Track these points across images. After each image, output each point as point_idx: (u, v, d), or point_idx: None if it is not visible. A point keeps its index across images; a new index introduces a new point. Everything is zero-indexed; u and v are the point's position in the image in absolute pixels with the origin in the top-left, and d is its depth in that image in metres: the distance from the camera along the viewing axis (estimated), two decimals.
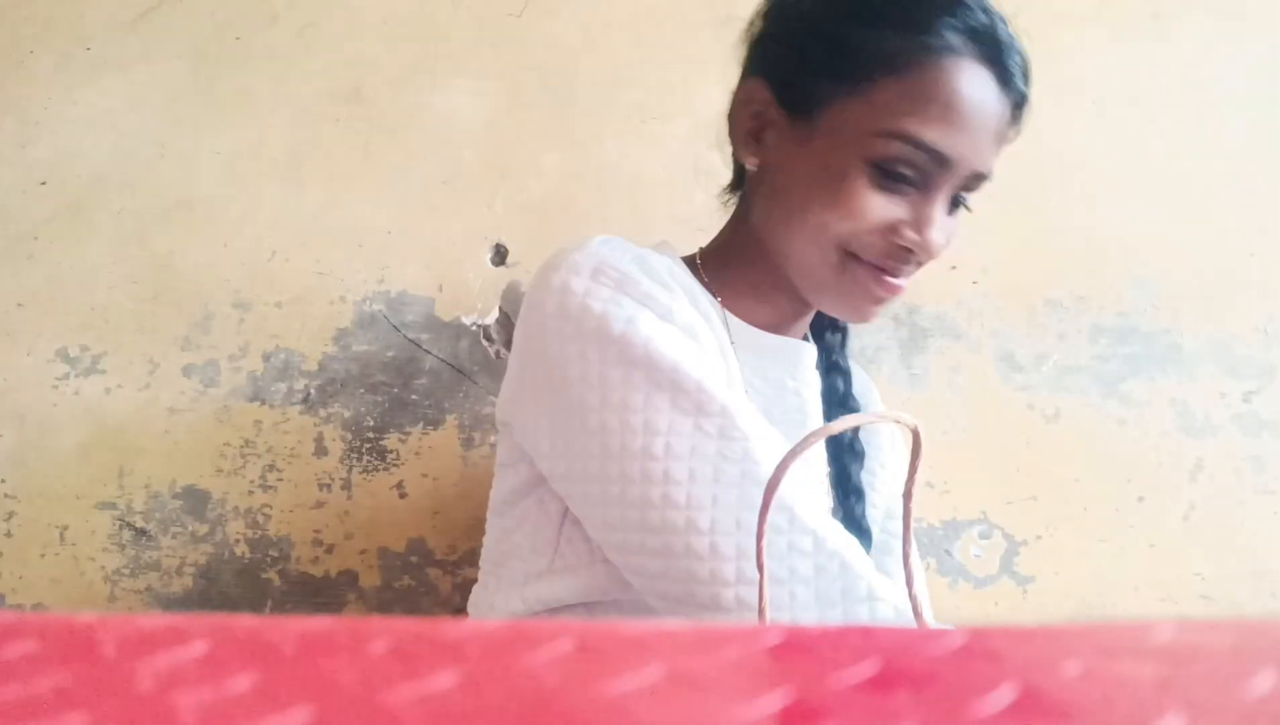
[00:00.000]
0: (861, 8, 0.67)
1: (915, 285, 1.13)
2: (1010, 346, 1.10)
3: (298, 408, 1.07)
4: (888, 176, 0.66)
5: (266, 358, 1.07)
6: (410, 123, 1.10)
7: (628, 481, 0.58)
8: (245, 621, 0.21)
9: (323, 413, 1.06)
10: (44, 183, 1.09)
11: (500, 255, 1.10)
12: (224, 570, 1.06)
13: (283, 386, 1.07)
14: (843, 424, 0.48)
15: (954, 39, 0.64)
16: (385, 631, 0.21)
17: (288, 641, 0.20)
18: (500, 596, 0.73)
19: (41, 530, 1.05)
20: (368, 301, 1.08)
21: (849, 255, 0.68)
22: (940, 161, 0.65)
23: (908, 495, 0.52)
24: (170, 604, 1.06)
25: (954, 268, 1.11)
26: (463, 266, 1.07)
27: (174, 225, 1.09)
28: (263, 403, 1.07)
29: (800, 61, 0.69)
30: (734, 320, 0.73)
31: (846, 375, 0.80)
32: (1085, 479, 1.09)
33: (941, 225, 0.67)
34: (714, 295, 0.74)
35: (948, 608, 1.06)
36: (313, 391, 1.07)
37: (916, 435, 0.51)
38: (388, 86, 1.10)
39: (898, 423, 0.50)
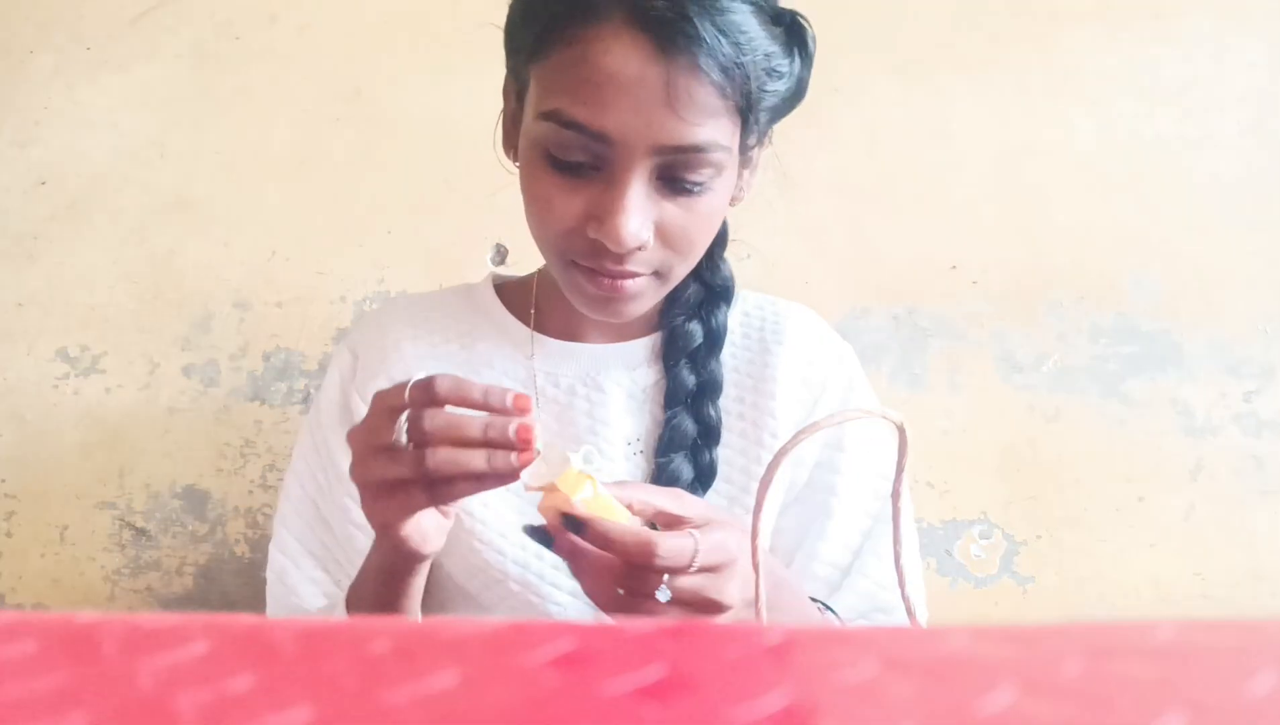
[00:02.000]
0: None
1: (915, 285, 1.14)
2: (1010, 346, 1.10)
3: (298, 408, 1.07)
4: (563, 164, 0.62)
5: (266, 358, 1.07)
6: (410, 123, 1.10)
7: None
8: (245, 621, 0.21)
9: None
10: (44, 183, 1.09)
11: (500, 255, 1.09)
12: (224, 570, 1.06)
13: (283, 386, 1.07)
14: (830, 422, 0.47)
15: (605, 5, 0.58)
16: (385, 631, 0.21)
17: (288, 641, 0.20)
18: None
19: (41, 530, 1.06)
20: (368, 301, 1.08)
21: (570, 260, 0.66)
22: (601, 139, 0.59)
23: (895, 494, 0.52)
24: (170, 604, 1.06)
25: (954, 268, 1.11)
26: (463, 266, 1.07)
27: (174, 225, 1.09)
28: (263, 403, 1.07)
29: (510, 45, 0.67)
30: (538, 336, 0.77)
31: (700, 372, 0.75)
32: (1085, 479, 1.09)
33: (635, 211, 0.61)
34: (526, 314, 0.78)
35: (948, 608, 1.05)
36: (313, 391, 1.07)
37: (902, 432, 0.51)
38: (388, 86, 1.10)
39: (884, 418, 0.50)
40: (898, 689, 0.19)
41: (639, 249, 0.63)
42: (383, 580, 0.62)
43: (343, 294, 1.08)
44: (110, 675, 0.18)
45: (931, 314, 1.10)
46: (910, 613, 0.53)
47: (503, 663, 0.19)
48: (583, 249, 0.64)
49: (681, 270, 0.68)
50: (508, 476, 0.53)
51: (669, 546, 0.53)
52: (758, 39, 0.60)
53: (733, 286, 0.78)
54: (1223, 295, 1.10)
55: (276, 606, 0.76)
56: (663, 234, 0.64)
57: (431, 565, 0.77)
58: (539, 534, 0.55)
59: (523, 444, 0.52)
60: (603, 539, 0.53)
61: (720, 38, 0.58)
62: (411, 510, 0.55)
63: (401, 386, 0.54)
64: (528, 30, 0.63)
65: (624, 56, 0.58)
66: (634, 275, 0.65)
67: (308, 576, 0.75)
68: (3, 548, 1.06)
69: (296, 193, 1.09)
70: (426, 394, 0.53)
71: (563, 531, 0.54)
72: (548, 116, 0.61)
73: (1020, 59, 1.12)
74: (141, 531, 1.06)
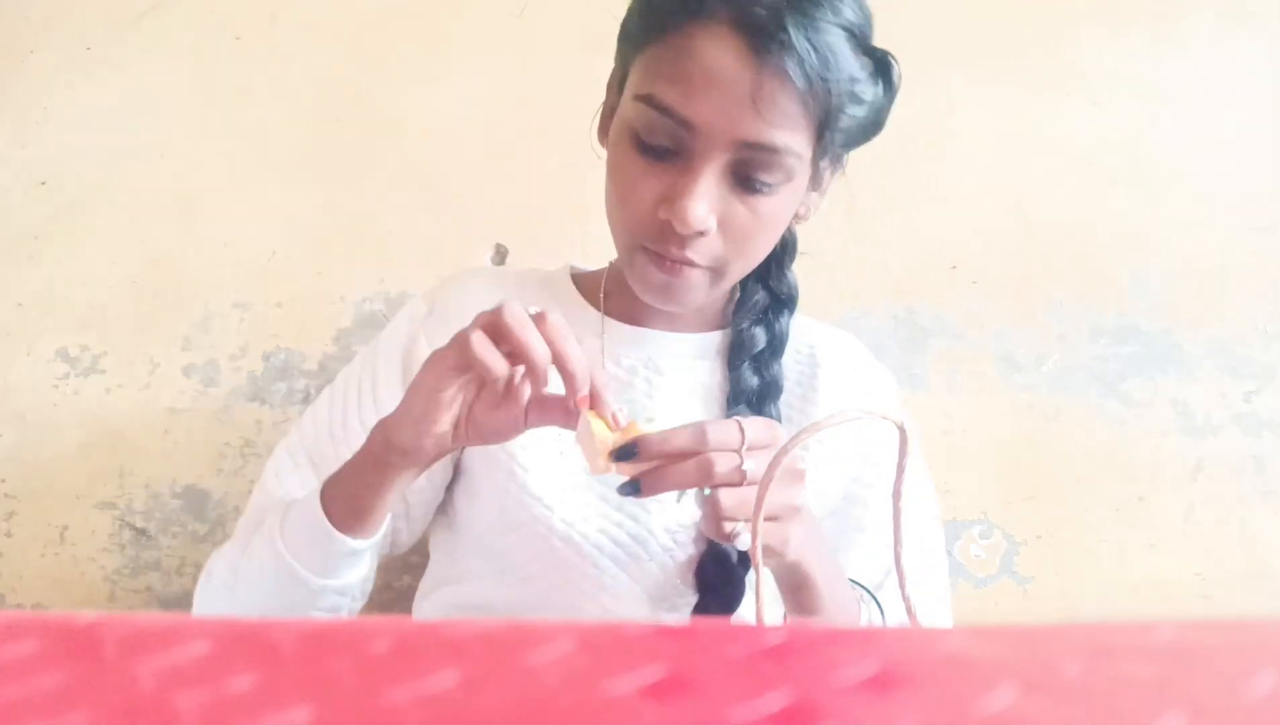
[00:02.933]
0: None
1: (915, 285, 1.14)
2: (1010, 346, 1.10)
3: (298, 408, 1.07)
4: (647, 147, 0.66)
5: (266, 358, 1.07)
6: (410, 123, 1.10)
7: None
8: (245, 621, 0.21)
9: None
10: (44, 183, 1.09)
11: (500, 255, 1.09)
12: None
13: (283, 386, 1.07)
14: (831, 422, 0.48)
15: (714, 5, 0.62)
16: (385, 631, 0.21)
17: (288, 641, 0.20)
18: (422, 601, 0.84)
19: (41, 530, 1.06)
20: (367, 301, 1.08)
21: (639, 244, 0.69)
22: (686, 126, 0.63)
23: (897, 494, 0.52)
24: (170, 604, 1.06)
25: (954, 268, 1.11)
26: (463, 266, 1.07)
27: (174, 225, 1.08)
28: (263, 403, 1.07)
29: (622, 35, 0.71)
30: (609, 320, 0.80)
31: (763, 374, 0.78)
32: (1085, 479, 1.09)
33: (704, 197, 0.64)
34: (598, 299, 0.81)
35: None
36: (313, 391, 1.07)
37: (903, 433, 0.51)
38: (388, 86, 1.10)
39: (884, 419, 0.50)
40: (898, 689, 0.19)
41: (701, 234, 0.66)
42: (375, 466, 0.64)
43: (343, 294, 1.08)
44: (110, 675, 0.18)
45: (931, 314, 1.10)
46: (910, 612, 0.53)
47: (503, 663, 0.19)
48: (651, 232, 0.67)
49: (737, 269, 0.71)
50: (566, 412, 0.59)
51: (716, 426, 0.58)
52: (846, 61, 0.64)
53: (796, 295, 0.81)
54: (1223, 295, 1.10)
55: (260, 494, 0.77)
56: (725, 227, 0.67)
57: (463, 522, 0.78)
58: (628, 488, 0.58)
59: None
60: (658, 448, 0.57)
61: (811, 51, 0.62)
62: (460, 389, 0.59)
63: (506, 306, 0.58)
64: (641, 21, 0.68)
65: (721, 53, 0.62)
66: (693, 264, 0.68)
67: (301, 480, 0.76)
68: (3, 548, 1.06)
69: (296, 193, 1.09)
70: (536, 319, 0.58)
71: (638, 472, 0.58)
72: (642, 99, 0.65)
73: (1021, 58, 1.12)
74: (141, 531, 1.06)
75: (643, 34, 0.67)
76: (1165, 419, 1.09)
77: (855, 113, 0.66)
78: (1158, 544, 1.08)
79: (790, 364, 0.82)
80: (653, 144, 0.65)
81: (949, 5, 1.12)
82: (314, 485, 0.73)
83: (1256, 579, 1.08)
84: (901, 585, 0.52)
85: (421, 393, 0.59)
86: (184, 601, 1.06)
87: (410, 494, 0.77)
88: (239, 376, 1.07)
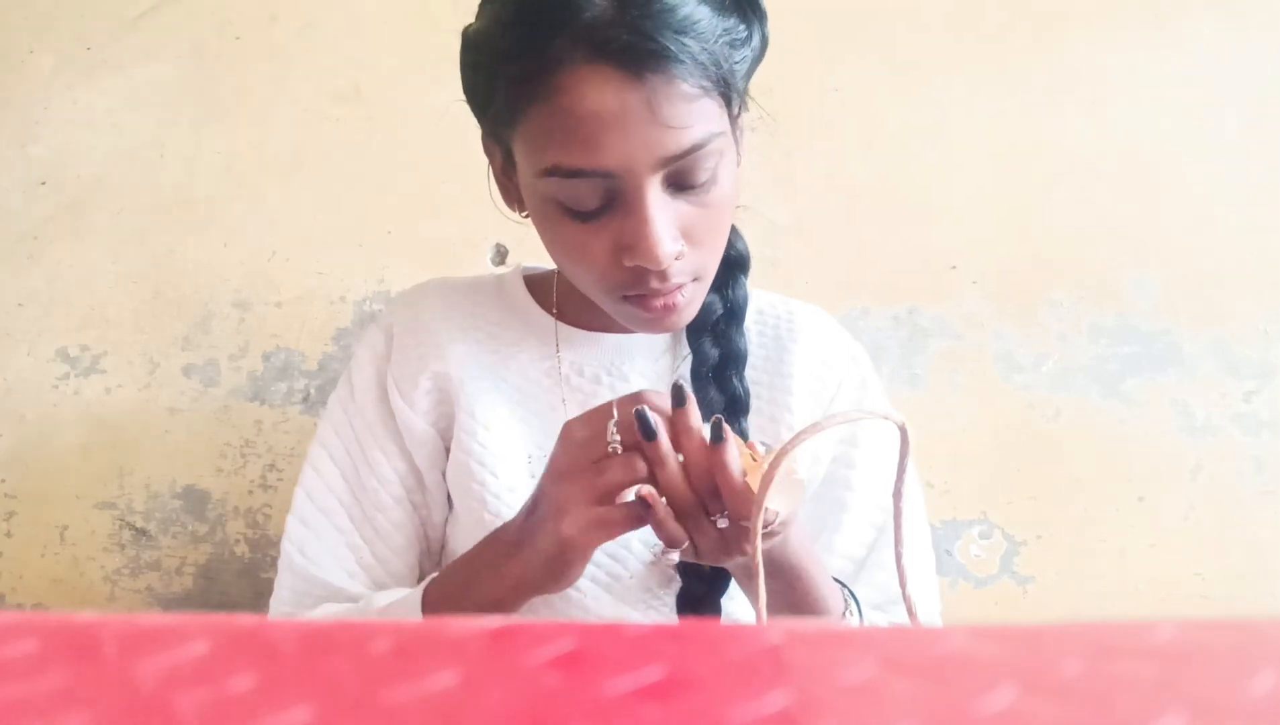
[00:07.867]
0: (485, 40, 0.63)
1: (915, 285, 1.14)
2: (1010, 346, 1.10)
3: (298, 408, 1.07)
4: (580, 211, 0.63)
5: (266, 358, 1.07)
6: (410, 122, 1.10)
7: None
8: (245, 621, 0.21)
9: (323, 412, 1.06)
10: (44, 183, 1.09)
11: (500, 255, 1.09)
12: (224, 570, 1.06)
13: (283, 386, 1.07)
14: (831, 422, 0.48)
15: (565, 47, 0.58)
16: (385, 631, 0.21)
17: (288, 641, 0.20)
18: None
19: (41, 530, 1.06)
20: (368, 301, 1.08)
21: (619, 295, 0.67)
22: (606, 176, 0.60)
23: (897, 494, 0.52)
24: (170, 604, 1.06)
25: (954, 268, 1.11)
26: (463, 266, 1.07)
27: (174, 225, 1.09)
28: (263, 403, 1.07)
29: (478, 111, 0.67)
30: (563, 326, 0.78)
31: (723, 343, 0.76)
32: (1085, 479, 1.09)
33: (662, 227, 0.61)
34: (551, 306, 0.79)
35: (948, 608, 1.06)
36: (313, 391, 1.07)
37: (904, 433, 0.51)
38: (388, 86, 1.10)
39: (885, 419, 0.50)
40: (898, 689, 0.19)
41: (677, 257, 0.64)
42: (509, 591, 0.63)
43: (343, 294, 1.08)
44: (110, 675, 0.18)
45: (931, 314, 1.10)
46: (911, 613, 0.53)
47: (503, 663, 0.19)
48: (625, 280, 0.65)
49: (714, 265, 0.69)
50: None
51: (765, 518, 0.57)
52: (713, 21, 0.61)
53: (748, 257, 0.78)
54: (1223, 295, 1.10)
55: (294, 577, 0.74)
56: (690, 235, 0.64)
57: (450, 549, 0.78)
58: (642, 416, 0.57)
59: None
60: (729, 487, 0.56)
61: (681, 40, 0.58)
62: (629, 526, 0.57)
63: (608, 407, 0.58)
64: (494, 97, 0.63)
65: (599, 93, 0.58)
66: (680, 287, 0.66)
67: (329, 549, 0.74)
68: (3, 548, 1.06)
69: (296, 193, 1.09)
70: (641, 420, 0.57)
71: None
72: (550, 172, 0.61)
73: (1020, 59, 1.12)
74: (141, 531, 1.06)
75: (510, 110, 0.62)
76: (1165, 419, 1.09)
77: (744, 54, 0.64)
78: (1158, 544, 1.08)
79: (755, 334, 0.79)
80: (583, 208, 0.62)
81: (948, 7, 1.12)
82: (345, 555, 0.74)
83: (1256, 579, 1.08)
84: (903, 584, 0.52)
85: (596, 540, 0.58)
86: (184, 601, 1.06)
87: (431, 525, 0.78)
88: (239, 376, 1.07)
